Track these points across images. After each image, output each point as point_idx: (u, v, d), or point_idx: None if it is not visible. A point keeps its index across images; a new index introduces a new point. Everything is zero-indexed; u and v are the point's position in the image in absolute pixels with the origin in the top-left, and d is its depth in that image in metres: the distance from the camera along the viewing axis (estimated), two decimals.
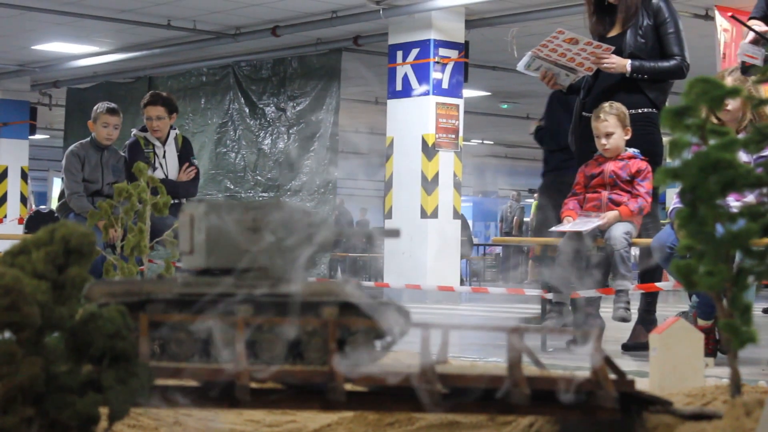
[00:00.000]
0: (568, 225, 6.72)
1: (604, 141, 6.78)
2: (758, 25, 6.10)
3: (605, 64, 6.94)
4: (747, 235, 2.43)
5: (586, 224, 6.63)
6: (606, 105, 6.79)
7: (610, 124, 6.76)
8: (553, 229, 6.86)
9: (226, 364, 2.51)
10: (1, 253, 2.44)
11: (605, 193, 6.77)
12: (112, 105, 8.88)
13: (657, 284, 6.88)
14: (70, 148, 8.90)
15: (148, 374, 2.35)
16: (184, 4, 14.90)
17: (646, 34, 7.01)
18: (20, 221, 18.89)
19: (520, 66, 7.23)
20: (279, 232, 2.77)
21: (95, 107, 8.86)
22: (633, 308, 6.87)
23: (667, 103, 7.02)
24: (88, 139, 8.85)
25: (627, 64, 6.92)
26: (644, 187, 6.70)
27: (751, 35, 6.05)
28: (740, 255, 2.49)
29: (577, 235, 6.67)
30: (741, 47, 6.17)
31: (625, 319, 6.64)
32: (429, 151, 14.02)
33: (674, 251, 5.91)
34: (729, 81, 6.02)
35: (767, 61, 5.88)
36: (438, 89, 14.19)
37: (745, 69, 6.10)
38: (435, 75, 14.17)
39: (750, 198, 5.26)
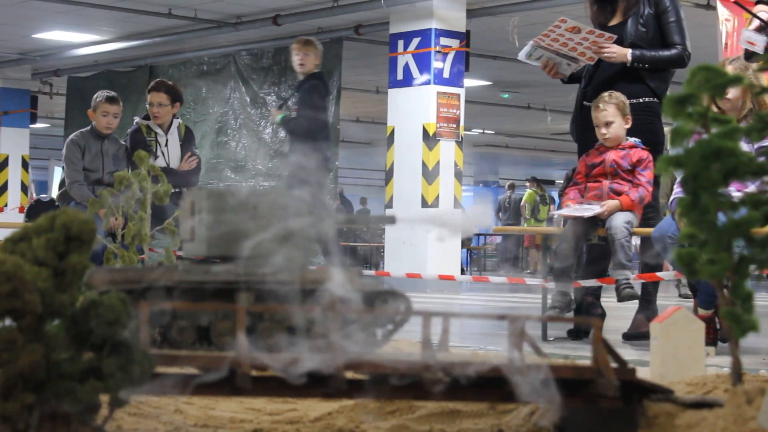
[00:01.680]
0: (568, 210, 6.71)
1: (604, 130, 6.78)
2: (764, 12, 6.07)
3: (606, 54, 6.93)
4: (749, 223, 2.43)
5: (586, 210, 6.63)
6: (605, 95, 6.79)
7: (609, 113, 6.76)
8: (554, 212, 6.87)
9: (227, 352, 2.51)
10: (1, 241, 2.43)
11: (606, 183, 6.76)
12: (112, 93, 8.86)
13: (657, 274, 6.87)
14: (71, 136, 8.89)
15: (149, 362, 2.35)
16: None
17: (647, 23, 7.00)
18: (21, 210, 18.88)
19: (522, 55, 7.22)
20: (279, 220, 2.77)
21: (95, 96, 8.85)
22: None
23: (668, 93, 7.01)
24: (89, 127, 8.83)
25: (628, 53, 6.91)
26: (645, 176, 6.69)
27: (756, 22, 6.04)
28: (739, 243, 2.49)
29: (578, 224, 6.66)
30: (743, 34, 6.15)
31: (633, 296, 6.59)
32: (430, 140, 14.00)
33: (675, 241, 5.91)
34: (730, 70, 6.01)
35: None
36: (439, 78, 14.17)
37: (749, 55, 6.08)
38: (436, 64, 14.15)
39: (752, 188, 5.26)
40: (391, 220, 3.26)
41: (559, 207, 7.01)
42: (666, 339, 3.54)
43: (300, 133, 9.06)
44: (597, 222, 6.70)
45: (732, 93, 6.05)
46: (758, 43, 5.91)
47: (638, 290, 7.07)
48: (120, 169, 8.16)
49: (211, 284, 2.72)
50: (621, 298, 6.61)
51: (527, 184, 27.18)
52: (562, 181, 19.20)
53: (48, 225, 2.34)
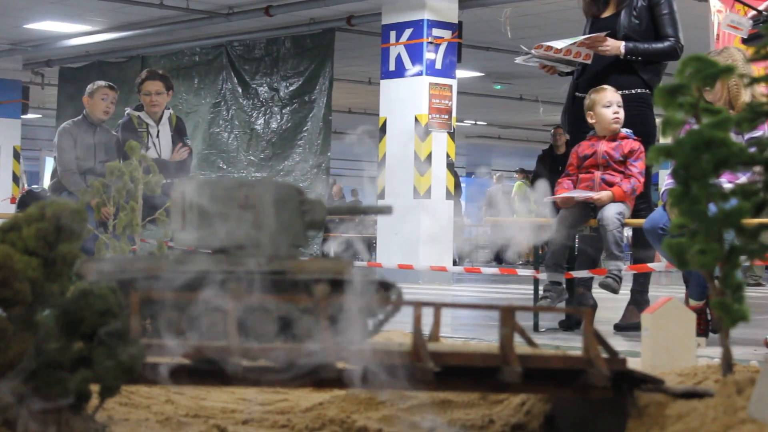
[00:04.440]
0: (562, 194, 6.70)
1: (617, 108, 6.72)
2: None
3: (601, 49, 6.93)
4: (739, 214, 2.43)
5: (579, 193, 6.63)
6: (606, 85, 6.78)
7: (619, 97, 6.75)
8: (546, 199, 6.84)
9: (218, 342, 2.50)
10: None
11: (598, 174, 6.76)
12: (110, 83, 8.96)
13: (649, 265, 6.88)
14: (62, 125, 8.89)
15: (140, 351, 2.35)
16: None
17: (640, 15, 7.00)
18: (12, 201, 18.85)
19: (519, 60, 7.22)
20: (271, 210, 2.77)
21: (93, 83, 8.88)
22: (625, 289, 6.87)
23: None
24: (80, 116, 8.83)
25: (621, 46, 6.91)
26: (637, 167, 6.69)
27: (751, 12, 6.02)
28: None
29: (570, 215, 6.66)
30: (726, 17, 6.13)
31: (610, 287, 6.56)
32: (422, 131, 14.00)
33: (666, 232, 5.91)
34: (720, 60, 6.00)
35: (757, 37, 5.85)
36: (431, 69, 14.16)
37: (747, 40, 6.05)
38: (428, 55, 14.14)
39: (743, 179, 5.27)
40: (388, 210, 3.25)
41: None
42: (657, 329, 3.55)
43: None
44: (589, 213, 6.70)
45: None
46: (741, 26, 5.88)
47: (631, 281, 7.09)
48: (111, 158, 8.15)
49: (202, 274, 2.71)
50: (599, 284, 6.61)
51: (516, 175, 27.18)
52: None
53: (38, 215, 2.33)
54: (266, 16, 15.86)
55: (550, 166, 16.43)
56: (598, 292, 7.16)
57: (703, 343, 5.81)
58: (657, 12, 7.01)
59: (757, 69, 6.76)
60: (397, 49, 14.41)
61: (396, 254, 13.49)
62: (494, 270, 10.14)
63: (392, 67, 14.46)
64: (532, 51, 7.05)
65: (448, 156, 14.18)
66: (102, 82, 8.86)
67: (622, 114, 6.75)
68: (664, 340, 3.54)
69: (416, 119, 14.04)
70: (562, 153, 16.43)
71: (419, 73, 14.13)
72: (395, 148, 14.24)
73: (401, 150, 14.14)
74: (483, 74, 20.89)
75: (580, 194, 6.63)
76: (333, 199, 24.04)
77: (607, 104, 6.72)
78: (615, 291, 6.61)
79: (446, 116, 14.19)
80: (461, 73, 16.75)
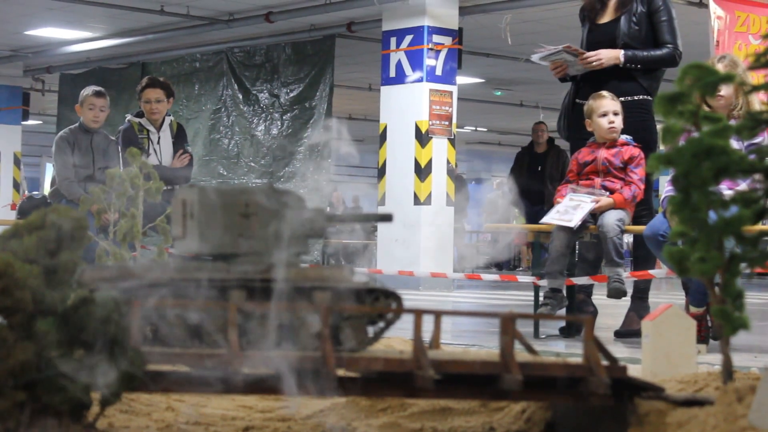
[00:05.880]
0: (556, 217, 6.66)
1: (612, 118, 6.72)
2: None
3: (595, 65, 6.95)
4: (740, 221, 2.43)
5: (576, 212, 6.60)
6: (604, 92, 6.79)
7: (617, 105, 6.76)
8: (544, 220, 6.81)
9: (219, 350, 2.50)
10: None
11: (598, 180, 6.76)
12: (99, 88, 8.87)
13: (650, 271, 6.88)
14: (60, 133, 8.89)
15: (141, 359, 2.35)
16: None
17: (639, 22, 7.01)
18: (13, 207, 18.85)
19: (536, 57, 7.22)
20: (271, 218, 2.77)
21: (82, 91, 8.86)
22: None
23: (660, 90, 7.01)
24: (77, 124, 8.83)
25: (620, 54, 6.93)
26: (637, 174, 6.69)
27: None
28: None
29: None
30: None
31: (619, 290, 6.54)
32: (422, 137, 14.00)
33: (667, 239, 5.91)
34: (719, 68, 6.00)
35: None
36: (431, 76, 14.17)
37: None
38: (429, 62, 14.14)
39: (743, 186, 5.27)
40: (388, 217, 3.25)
41: (552, 204, 6.98)
42: (657, 336, 3.55)
43: None
44: (588, 219, 6.70)
45: (725, 90, 6.05)
46: None
47: (631, 288, 7.08)
48: (111, 164, 8.15)
49: (203, 282, 2.71)
50: (608, 292, 6.60)
51: None
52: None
53: (39, 222, 2.34)
54: (267, 22, 15.88)
55: (529, 164, 16.52)
56: (598, 299, 7.16)
57: (703, 350, 5.80)
58: (656, 19, 7.02)
59: (757, 76, 6.77)
60: (397, 56, 14.41)
61: (396, 260, 13.49)
62: (495, 277, 10.14)
63: (392, 73, 14.46)
64: (560, 47, 7.02)
65: (448, 162, 14.18)
66: (89, 90, 8.78)
67: (619, 122, 6.75)
68: (665, 347, 3.54)
69: (417, 126, 14.05)
70: (542, 152, 16.49)
71: (419, 80, 14.14)
72: (395, 154, 14.25)
73: (402, 156, 14.15)
74: (483, 80, 20.90)
75: (577, 217, 6.59)
76: (333, 206, 24.01)
77: (603, 113, 6.74)
78: (624, 293, 6.58)
79: (446, 122, 14.20)
80: (461, 80, 16.75)
